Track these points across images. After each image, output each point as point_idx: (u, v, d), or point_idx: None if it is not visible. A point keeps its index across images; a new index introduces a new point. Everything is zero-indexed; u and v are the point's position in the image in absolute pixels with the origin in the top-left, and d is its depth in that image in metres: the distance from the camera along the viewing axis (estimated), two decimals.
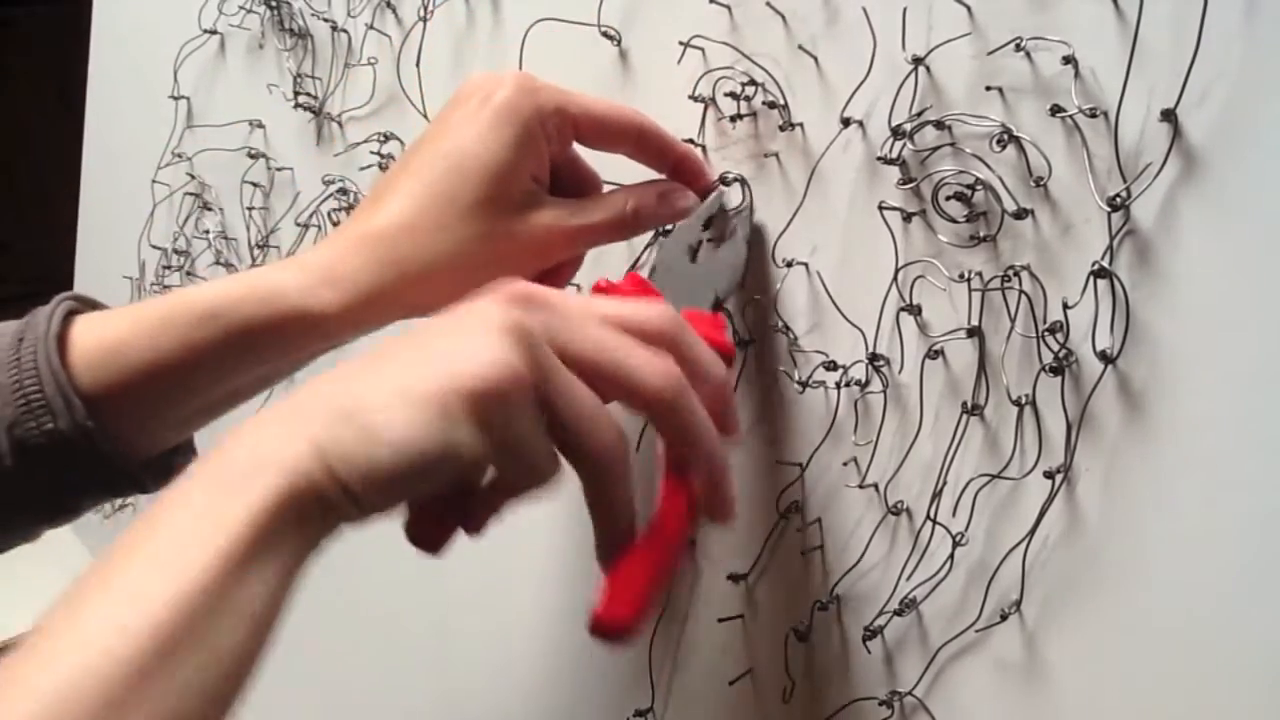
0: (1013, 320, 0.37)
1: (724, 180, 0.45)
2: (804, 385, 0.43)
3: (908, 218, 0.39)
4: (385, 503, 0.31)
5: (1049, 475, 0.36)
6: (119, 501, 0.92)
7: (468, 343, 0.31)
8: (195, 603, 0.28)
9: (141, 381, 0.40)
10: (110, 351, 0.40)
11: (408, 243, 0.41)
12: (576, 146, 0.44)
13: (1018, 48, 0.36)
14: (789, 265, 0.43)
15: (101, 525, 0.95)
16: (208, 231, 0.79)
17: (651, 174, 0.45)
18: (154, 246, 0.84)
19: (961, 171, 0.37)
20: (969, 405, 0.38)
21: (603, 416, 0.33)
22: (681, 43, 0.46)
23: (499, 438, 0.31)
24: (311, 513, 0.30)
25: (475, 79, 0.42)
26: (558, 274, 0.45)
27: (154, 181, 0.83)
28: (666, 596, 0.50)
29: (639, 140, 0.43)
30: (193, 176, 0.79)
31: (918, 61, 0.38)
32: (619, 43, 0.49)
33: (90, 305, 0.43)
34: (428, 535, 0.35)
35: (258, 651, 0.30)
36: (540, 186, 0.42)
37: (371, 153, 0.62)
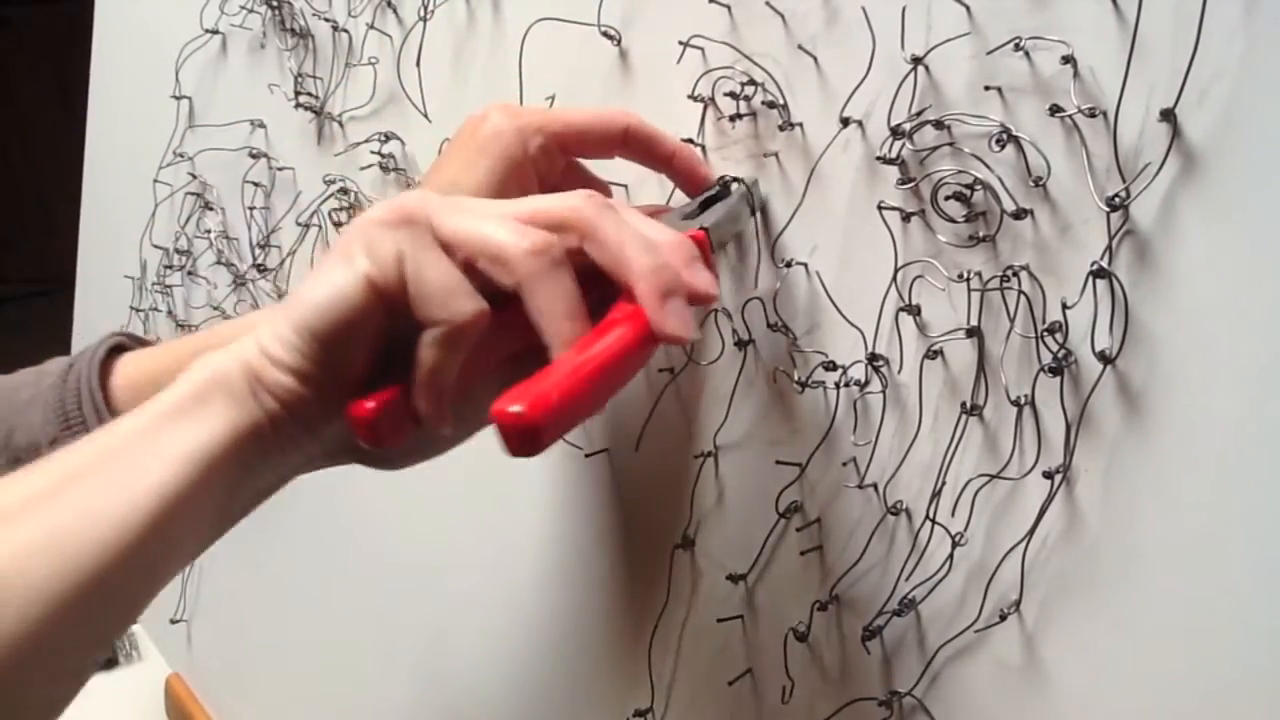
0: (1012, 320, 0.37)
1: (724, 183, 0.45)
2: (803, 385, 0.43)
3: (907, 217, 0.39)
4: (316, 355, 0.34)
5: (1048, 475, 0.36)
6: None
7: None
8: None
9: None
10: (149, 381, 0.45)
11: None
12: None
13: (1017, 47, 0.36)
14: (788, 265, 0.43)
15: None
16: (209, 231, 0.79)
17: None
18: (155, 246, 0.84)
19: (961, 171, 0.37)
20: (968, 405, 0.38)
21: (457, 284, 0.34)
22: (681, 42, 0.46)
23: (396, 258, 0.33)
24: (242, 384, 0.34)
25: (470, 115, 0.44)
26: None
27: (155, 181, 0.83)
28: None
29: (626, 143, 0.44)
30: (194, 176, 0.79)
31: (917, 61, 0.38)
32: (619, 42, 0.49)
33: (140, 342, 0.49)
34: (377, 422, 0.34)
35: (181, 494, 0.32)
36: None
37: (372, 152, 0.62)
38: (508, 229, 0.34)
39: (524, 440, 0.31)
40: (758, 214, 0.44)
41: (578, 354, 0.33)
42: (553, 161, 0.44)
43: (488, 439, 0.55)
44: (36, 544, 0.30)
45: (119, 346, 0.48)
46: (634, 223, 0.35)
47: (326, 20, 0.65)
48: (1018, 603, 0.37)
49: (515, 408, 0.30)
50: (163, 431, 0.33)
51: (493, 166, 0.43)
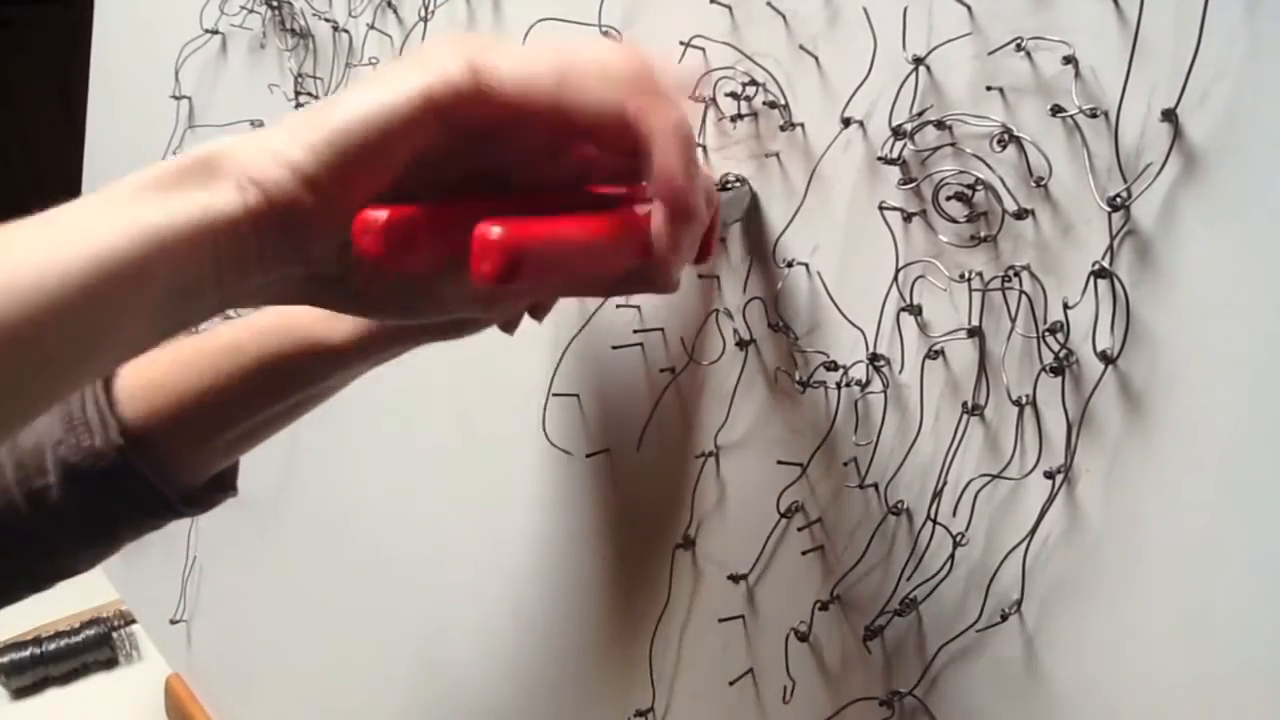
0: (1013, 320, 0.37)
1: (725, 183, 0.45)
2: (804, 385, 0.43)
3: (908, 218, 0.39)
4: (335, 164, 0.31)
5: (1049, 475, 0.36)
6: None
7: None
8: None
9: (178, 410, 0.45)
10: (151, 385, 0.45)
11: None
12: None
13: (1018, 48, 0.36)
14: (789, 265, 0.43)
15: None
16: None
17: None
18: None
19: (962, 171, 0.37)
20: (969, 405, 0.38)
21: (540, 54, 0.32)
22: (682, 43, 0.46)
23: (467, 64, 0.31)
24: (231, 172, 0.30)
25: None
26: None
27: None
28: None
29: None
30: None
31: (918, 61, 0.38)
32: (619, 42, 0.49)
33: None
34: (389, 230, 0.32)
35: (125, 265, 0.29)
36: None
37: None
38: (605, 47, 0.32)
39: (499, 264, 0.30)
40: (750, 215, 0.44)
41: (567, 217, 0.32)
42: None
43: (488, 445, 0.55)
44: None
45: None
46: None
47: (326, 20, 0.65)
48: (1019, 603, 0.37)
49: (496, 230, 0.30)
50: (125, 200, 0.30)
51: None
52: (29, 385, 0.28)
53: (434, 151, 0.32)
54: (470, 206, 0.32)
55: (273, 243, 0.31)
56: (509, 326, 0.44)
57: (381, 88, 0.31)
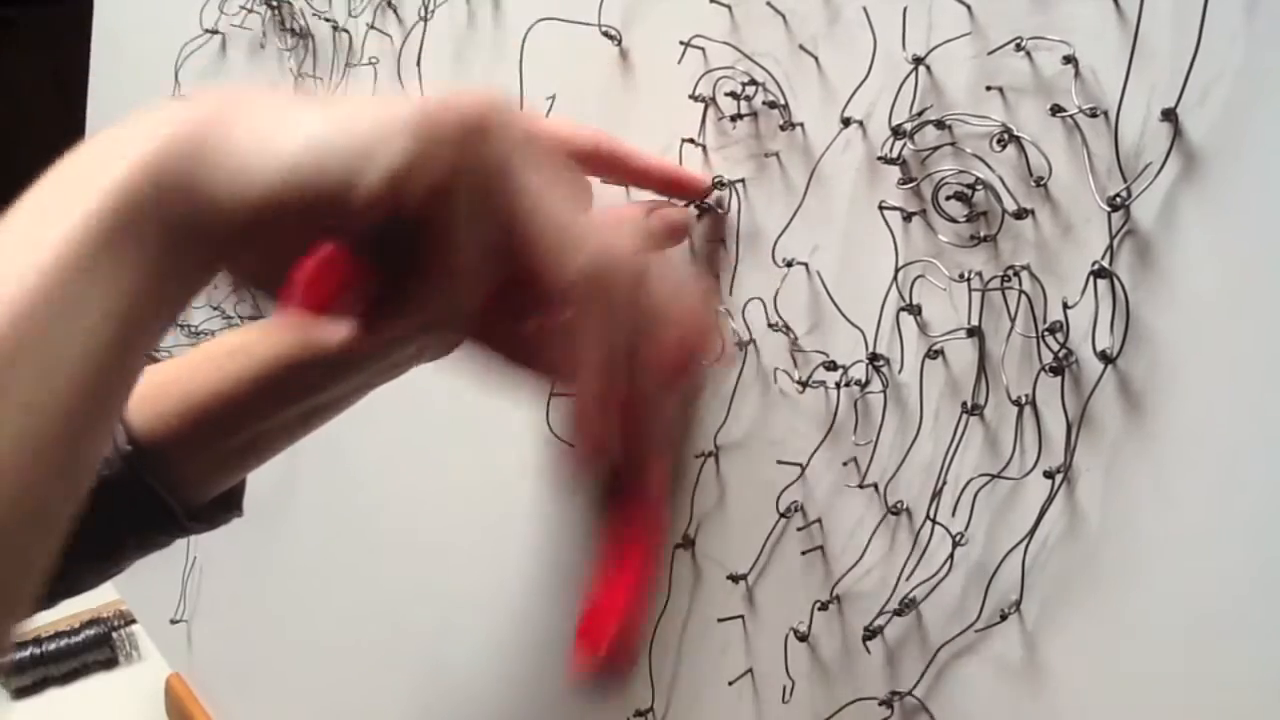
0: (1013, 320, 0.37)
1: (719, 184, 0.45)
2: (804, 385, 0.43)
3: (908, 217, 0.39)
4: (255, 215, 0.27)
5: (1049, 475, 0.36)
6: None
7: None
8: (38, 296, 0.26)
9: (185, 416, 0.44)
10: (158, 389, 0.44)
11: None
12: None
13: (1018, 47, 0.36)
14: (789, 265, 0.43)
15: None
16: None
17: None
18: None
19: (962, 171, 0.37)
20: (969, 405, 0.38)
21: (574, 219, 0.29)
22: (682, 42, 0.46)
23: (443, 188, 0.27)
24: (167, 210, 0.27)
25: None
26: None
27: None
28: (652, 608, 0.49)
29: (593, 159, 0.43)
30: None
31: (918, 61, 0.38)
32: (619, 42, 0.49)
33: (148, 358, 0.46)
34: (312, 289, 0.30)
35: (104, 370, 0.27)
36: None
37: None
38: (624, 229, 0.31)
39: (612, 679, 0.32)
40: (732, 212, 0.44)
41: (619, 576, 0.34)
42: None
43: (488, 445, 0.55)
44: None
45: None
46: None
47: (326, 20, 0.65)
48: (1018, 602, 0.37)
49: (596, 655, 0.32)
50: (74, 283, 0.26)
51: None
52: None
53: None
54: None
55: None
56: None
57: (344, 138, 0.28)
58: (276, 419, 0.46)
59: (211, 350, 0.45)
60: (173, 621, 0.89)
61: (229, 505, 0.48)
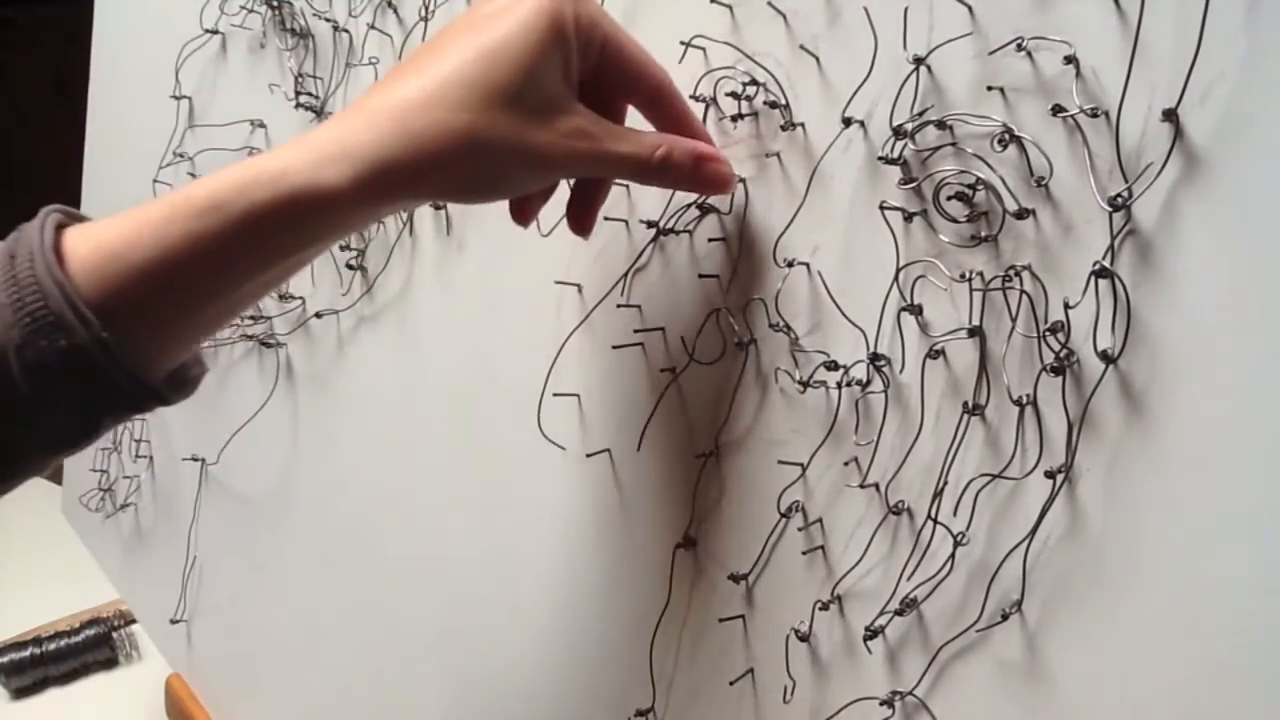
0: (1014, 320, 0.37)
1: None
2: (805, 385, 0.43)
3: (909, 217, 0.39)
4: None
5: (1050, 475, 0.36)
6: (120, 500, 0.93)
7: None
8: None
9: (149, 285, 0.37)
10: (112, 257, 0.37)
11: (425, 117, 0.38)
12: None
13: (1019, 48, 0.36)
14: (790, 265, 0.43)
15: (102, 525, 0.95)
16: None
17: None
18: None
19: (963, 171, 0.37)
20: (970, 405, 0.38)
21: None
22: (683, 42, 0.46)
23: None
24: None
25: None
26: (586, 194, 0.47)
27: (155, 181, 0.83)
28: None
29: (653, 97, 0.42)
30: (194, 176, 0.79)
31: (919, 61, 0.38)
32: None
33: (78, 218, 0.40)
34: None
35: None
36: (571, 91, 0.41)
37: None
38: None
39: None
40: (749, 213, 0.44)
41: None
42: (588, 62, 0.41)
43: (488, 445, 0.55)
44: None
45: (60, 224, 0.38)
46: None
47: (327, 20, 0.65)
48: (1019, 602, 0.37)
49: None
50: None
51: (549, 37, 0.39)
52: None
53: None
54: None
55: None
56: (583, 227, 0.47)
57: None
58: (257, 279, 0.40)
59: (178, 208, 0.38)
60: (173, 621, 0.89)
61: (199, 360, 0.42)
